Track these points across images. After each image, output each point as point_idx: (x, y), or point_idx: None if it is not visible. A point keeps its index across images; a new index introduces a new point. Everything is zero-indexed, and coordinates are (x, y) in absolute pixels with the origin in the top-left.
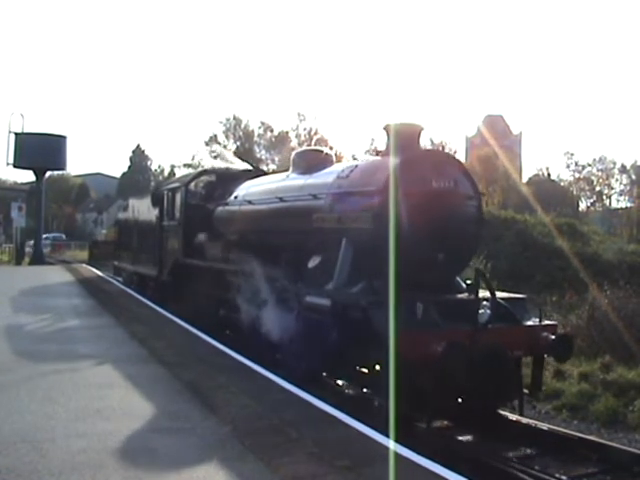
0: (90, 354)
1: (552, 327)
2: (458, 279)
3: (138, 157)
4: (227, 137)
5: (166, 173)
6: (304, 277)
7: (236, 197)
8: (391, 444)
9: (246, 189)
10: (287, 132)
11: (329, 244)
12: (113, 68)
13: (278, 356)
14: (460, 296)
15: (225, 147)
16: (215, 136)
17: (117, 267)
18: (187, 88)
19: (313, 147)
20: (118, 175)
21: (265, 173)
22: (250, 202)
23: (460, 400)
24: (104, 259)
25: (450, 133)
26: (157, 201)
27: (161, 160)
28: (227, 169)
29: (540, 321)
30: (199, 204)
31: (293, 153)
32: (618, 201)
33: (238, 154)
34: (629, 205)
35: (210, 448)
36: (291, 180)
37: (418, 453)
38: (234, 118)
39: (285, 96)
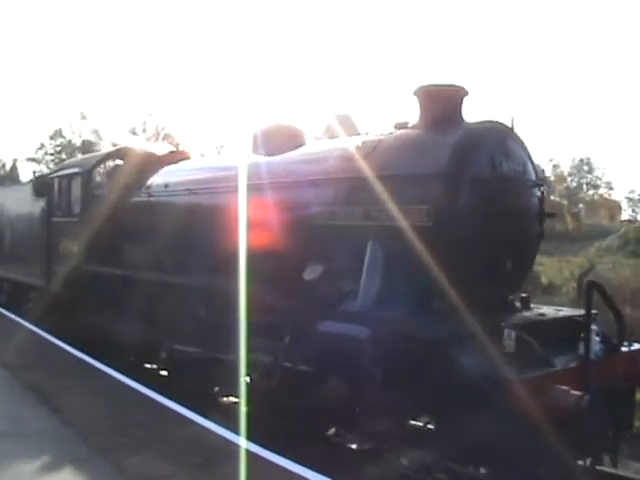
0: None
1: None
2: None
3: None
4: (73, 131)
5: (8, 167)
6: (299, 293)
7: (166, 185)
8: (242, 441)
9: (178, 175)
10: (134, 127)
11: (339, 247)
12: None
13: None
14: (546, 316)
15: (70, 142)
16: (60, 130)
17: None
18: (30, 79)
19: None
20: None
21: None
22: (192, 192)
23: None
24: None
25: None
26: (43, 191)
27: (1, 153)
28: (140, 151)
29: (629, 344)
30: (107, 195)
31: (257, 130)
32: None
33: (84, 149)
34: None
35: (54, 451)
36: (260, 163)
37: (270, 450)
38: (80, 112)
39: (133, 92)
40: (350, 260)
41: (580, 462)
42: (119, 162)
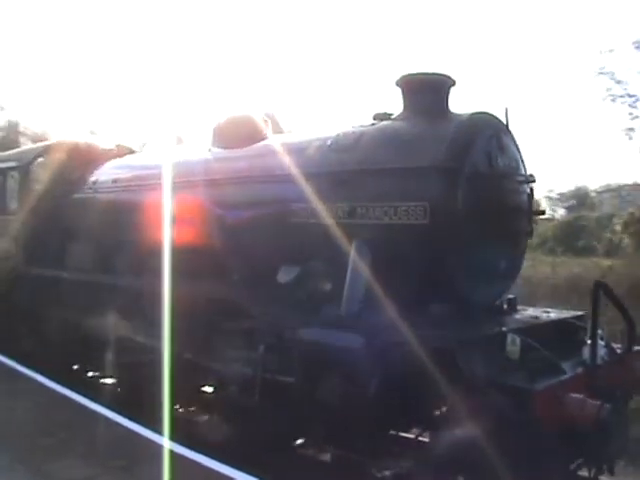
0: None
1: None
2: None
3: None
4: None
5: None
6: (273, 297)
7: (115, 181)
8: (166, 442)
9: (128, 170)
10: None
11: (318, 247)
12: None
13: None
14: (540, 319)
15: None
16: None
17: None
18: None
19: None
20: None
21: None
22: (150, 187)
23: None
24: None
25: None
26: None
27: None
28: (82, 144)
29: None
30: (47, 191)
31: (217, 123)
32: None
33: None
34: None
35: None
36: (221, 157)
37: (194, 450)
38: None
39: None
40: (331, 261)
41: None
42: (59, 156)
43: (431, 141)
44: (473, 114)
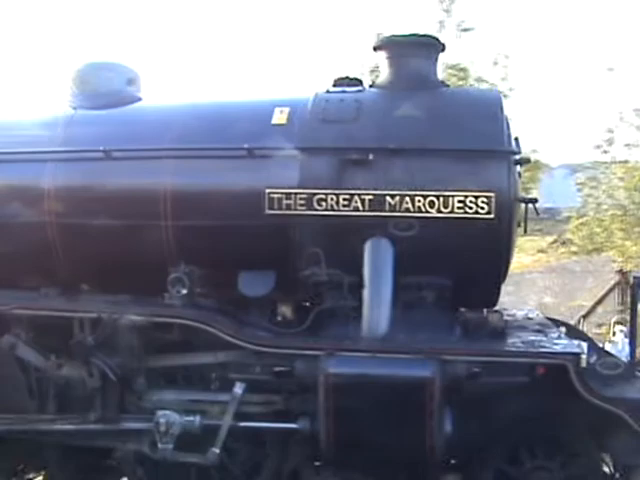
0: None
1: None
2: None
3: None
4: None
5: None
6: (241, 315)
7: None
8: None
9: None
10: None
11: (307, 247)
12: None
13: None
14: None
15: None
16: None
17: None
18: None
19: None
20: None
21: None
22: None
23: None
24: None
25: None
26: None
27: None
28: None
29: None
30: None
31: (76, 70)
32: None
33: None
34: None
35: None
36: (109, 120)
37: None
38: None
39: None
40: (332, 265)
41: None
42: None
43: (479, 115)
44: (488, 89)
